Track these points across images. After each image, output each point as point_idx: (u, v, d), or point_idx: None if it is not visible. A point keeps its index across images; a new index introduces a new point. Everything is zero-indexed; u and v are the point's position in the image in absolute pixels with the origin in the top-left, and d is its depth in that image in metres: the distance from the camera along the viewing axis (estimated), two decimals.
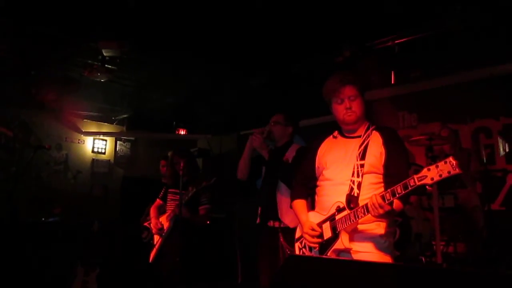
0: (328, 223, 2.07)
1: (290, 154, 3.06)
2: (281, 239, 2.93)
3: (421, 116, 5.16)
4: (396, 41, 4.66)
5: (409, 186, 1.71)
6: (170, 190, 3.93)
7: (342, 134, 2.28)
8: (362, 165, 2.06)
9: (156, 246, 3.79)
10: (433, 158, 3.80)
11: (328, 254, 2.03)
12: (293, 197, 2.40)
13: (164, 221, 3.81)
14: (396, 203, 1.91)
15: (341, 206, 2.03)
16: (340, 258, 2.00)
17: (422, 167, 1.68)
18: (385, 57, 4.90)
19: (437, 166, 1.63)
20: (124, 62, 5.34)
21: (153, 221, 3.90)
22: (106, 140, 7.69)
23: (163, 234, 3.76)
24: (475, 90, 4.60)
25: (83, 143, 7.45)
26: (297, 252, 2.29)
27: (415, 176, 1.69)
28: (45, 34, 4.72)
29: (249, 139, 3.22)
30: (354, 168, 2.07)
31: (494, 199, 4.34)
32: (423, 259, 3.92)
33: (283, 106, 3.51)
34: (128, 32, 4.63)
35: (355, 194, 2.01)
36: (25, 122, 6.63)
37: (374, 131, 2.17)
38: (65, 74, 5.85)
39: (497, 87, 4.35)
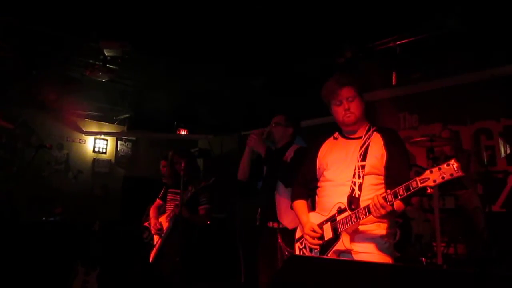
0: (329, 224, 2.07)
1: (290, 155, 3.06)
2: (279, 240, 2.94)
3: (422, 117, 5.16)
4: (397, 42, 4.66)
5: (411, 188, 1.72)
6: (169, 190, 3.93)
7: (342, 135, 2.28)
8: (363, 166, 2.06)
9: (156, 246, 3.79)
10: (434, 159, 3.80)
11: (329, 255, 2.03)
12: (293, 198, 2.40)
13: (164, 221, 3.80)
14: (398, 204, 1.91)
15: (342, 207, 2.03)
16: (340, 258, 2.00)
17: (423, 168, 1.69)
18: (386, 58, 4.89)
19: (439, 169, 1.62)
20: (126, 62, 5.34)
21: (152, 221, 3.90)
22: (107, 140, 7.69)
23: (163, 234, 3.76)
24: (476, 91, 4.61)
25: (84, 143, 7.45)
26: (297, 252, 2.29)
27: (417, 178, 1.69)
28: (47, 34, 4.73)
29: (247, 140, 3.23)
30: (355, 169, 2.07)
31: (495, 200, 4.34)
32: (424, 260, 3.91)
33: (284, 107, 3.51)
34: (129, 32, 4.63)
35: (356, 195, 2.02)
36: (27, 122, 6.65)
37: (375, 132, 2.18)
38: (67, 74, 5.86)
39: (498, 89, 4.36)
